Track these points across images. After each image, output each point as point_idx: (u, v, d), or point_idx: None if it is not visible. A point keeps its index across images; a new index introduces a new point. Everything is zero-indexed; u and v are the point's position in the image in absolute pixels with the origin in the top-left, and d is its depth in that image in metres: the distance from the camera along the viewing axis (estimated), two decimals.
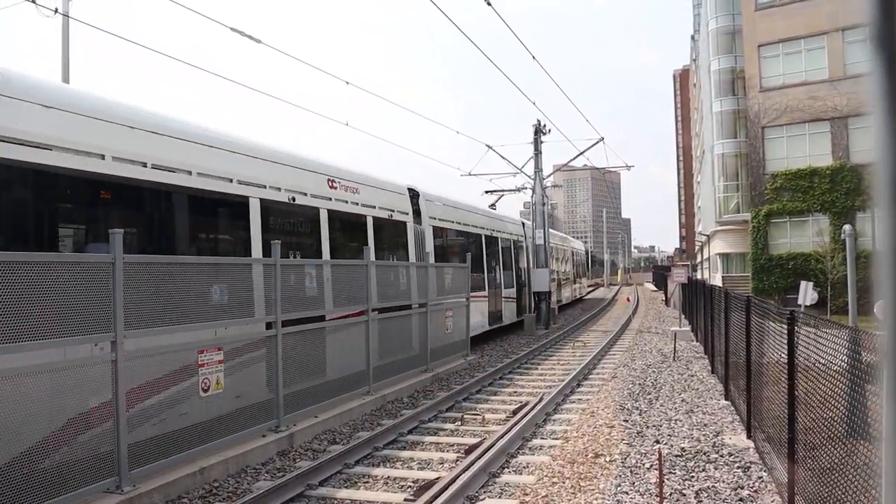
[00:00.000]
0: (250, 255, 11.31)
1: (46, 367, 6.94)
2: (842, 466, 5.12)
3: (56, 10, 13.84)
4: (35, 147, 7.83)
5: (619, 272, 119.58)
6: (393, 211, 17.57)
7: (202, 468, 8.59)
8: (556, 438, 10.83)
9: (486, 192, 36.09)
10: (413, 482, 8.70)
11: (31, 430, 6.70)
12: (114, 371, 7.53)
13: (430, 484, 8.25)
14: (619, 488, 8.18)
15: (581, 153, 34.37)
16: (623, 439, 10.46)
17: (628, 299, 52.49)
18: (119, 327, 7.55)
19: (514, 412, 12.46)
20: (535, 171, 31.94)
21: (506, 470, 9.26)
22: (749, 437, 10.17)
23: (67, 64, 16.65)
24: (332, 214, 14.35)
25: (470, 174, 33.72)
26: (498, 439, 10.10)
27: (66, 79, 16.61)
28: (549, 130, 32.07)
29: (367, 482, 8.86)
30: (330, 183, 14.53)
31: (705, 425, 11.30)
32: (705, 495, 7.87)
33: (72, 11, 16.00)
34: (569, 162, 35.85)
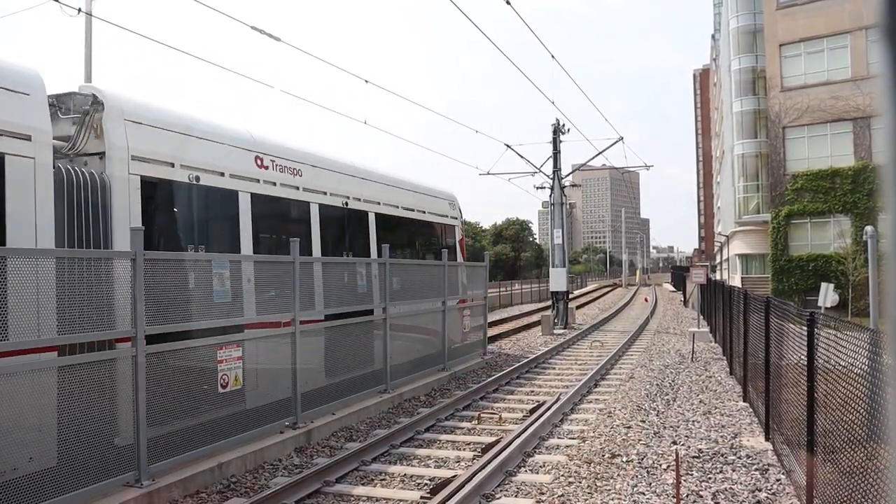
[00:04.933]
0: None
1: (71, 360, 7.04)
2: (862, 470, 5.08)
3: (79, 10, 13.95)
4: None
5: (638, 272, 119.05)
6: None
7: (220, 463, 8.66)
8: (573, 438, 10.81)
9: None
10: (429, 480, 8.72)
11: (55, 423, 6.79)
12: (134, 366, 7.60)
13: (446, 482, 8.27)
14: (635, 489, 8.16)
15: (600, 153, 34.31)
16: (640, 440, 10.43)
17: (646, 299, 52.27)
18: (139, 322, 7.62)
19: (531, 411, 12.46)
20: (554, 171, 31.87)
21: (522, 469, 9.26)
22: (767, 439, 10.11)
23: (90, 63, 16.79)
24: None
25: (489, 173, 33.68)
26: (514, 438, 10.10)
27: (88, 77, 16.76)
28: (568, 130, 32.00)
29: (383, 479, 8.89)
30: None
31: (723, 427, 11.24)
32: (722, 497, 7.83)
33: (94, 10, 16.15)
34: (588, 161, 35.74)
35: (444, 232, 19.77)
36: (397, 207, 16.47)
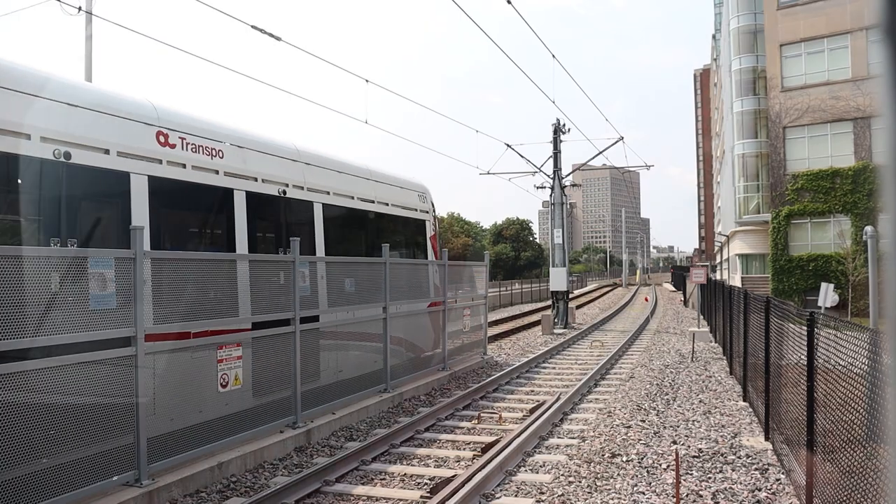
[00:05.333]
0: None
1: (70, 359, 7.04)
2: (861, 470, 5.09)
3: (80, 9, 13.96)
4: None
5: (638, 272, 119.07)
6: None
7: (220, 463, 8.66)
8: (573, 438, 10.82)
9: None
10: (429, 479, 8.73)
11: (54, 423, 6.79)
12: (135, 366, 7.61)
13: (446, 481, 8.27)
14: (635, 488, 8.16)
15: (601, 152, 34.27)
16: (640, 439, 10.44)
17: (646, 299, 52.31)
18: (139, 321, 7.62)
19: (531, 411, 12.46)
20: (554, 170, 31.87)
21: (522, 468, 9.26)
22: (767, 438, 10.11)
23: (90, 61, 16.81)
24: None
25: (489, 173, 33.68)
26: (514, 438, 10.10)
27: (88, 76, 16.77)
28: (569, 130, 32.00)
29: (383, 479, 8.90)
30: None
31: (723, 426, 11.24)
32: (722, 497, 7.84)
33: (95, 9, 16.17)
34: (588, 161, 35.73)
35: (412, 227, 17.54)
36: (352, 198, 14.32)
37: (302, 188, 12.58)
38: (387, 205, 15.94)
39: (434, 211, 18.92)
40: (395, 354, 14.33)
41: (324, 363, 11.91)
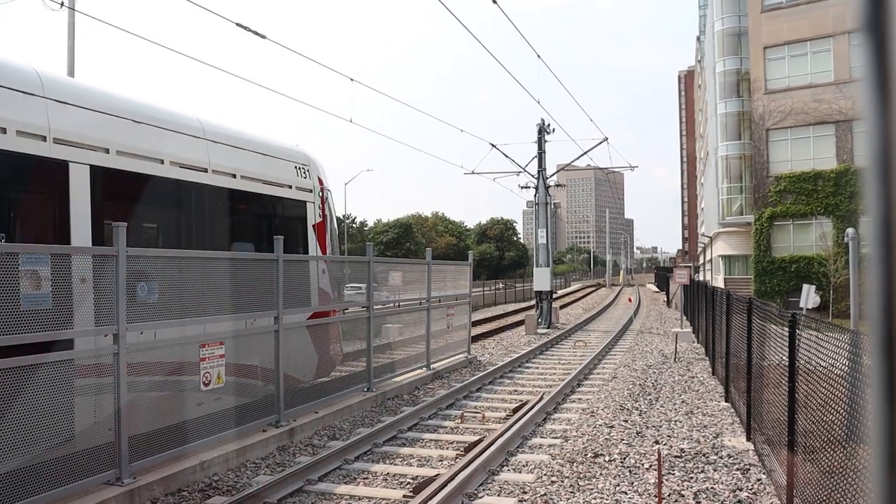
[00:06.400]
0: None
1: (51, 357, 6.97)
2: (841, 470, 5.13)
3: (62, 4, 13.84)
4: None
5: (621, 273, 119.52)
6: None
7: (202, 462, 8.61)
8: (556, 437, 10.84)
9: None
10: (412, 479, 8.72)
11: (33, 421, 6.72)
12: (116, 363, 7.55)
13: (429, 481, 8.26)
14: (617, 488, 8.19)
15: (585, 153, 34.37)
16: (622, 439, 10.48)
17: (630, 300, 52.54)
18: (121, 319, 7.56)
19: (515, 410, 12.47)
20: (539, 171, 31.91)
21: (505, 468, 9.27)
22: (749, 439, 10.18)
23: (73, 58, 16.66)
24: None
25: (474, 172, 33.67)
26: (498, 437, 10.11)
27: (71, 73, 16.62)
28: (553, 130, 32.07)
29: (366, 478, 8.88)
30: None
31: (705, 427, 11.30)
32: (704, 496, 7.88)
33: (77, 4, 16.05)
34: (572, 161, 35.82)
35: (282, 211, 12.82)
36: (161, 162, 9.74)
37: (43, 138, 8.02)
38: (234, 177, 11.33)
39: (323, 191, 13.95)
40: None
41: (84, 418, 7.64)
